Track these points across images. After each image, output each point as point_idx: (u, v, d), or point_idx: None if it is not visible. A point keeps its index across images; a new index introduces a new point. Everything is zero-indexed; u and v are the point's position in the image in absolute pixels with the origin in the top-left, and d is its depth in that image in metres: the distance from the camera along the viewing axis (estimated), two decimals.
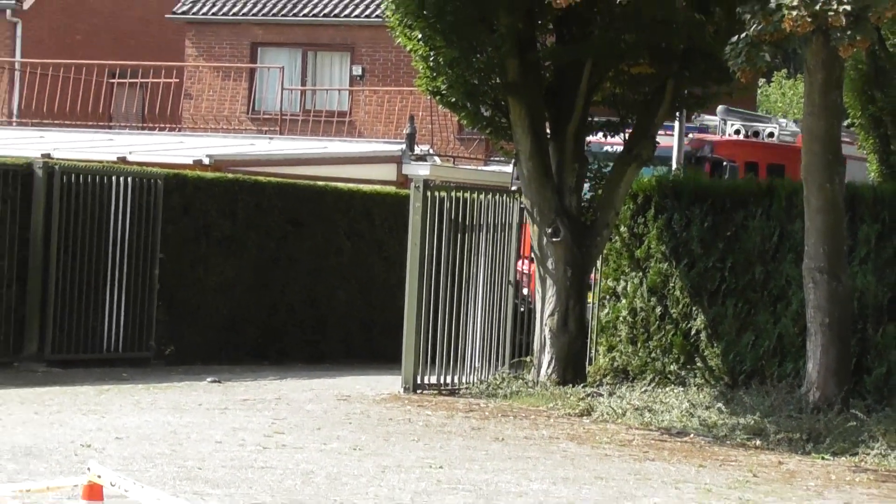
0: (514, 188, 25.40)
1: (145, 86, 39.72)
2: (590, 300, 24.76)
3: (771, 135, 29.67)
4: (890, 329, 21.51)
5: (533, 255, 23.74)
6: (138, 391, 20.82)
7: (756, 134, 30.14)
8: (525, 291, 25.67)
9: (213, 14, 41.35)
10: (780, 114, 54.91)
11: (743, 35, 18.40)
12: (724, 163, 27.97)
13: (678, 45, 22.30)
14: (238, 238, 25.78)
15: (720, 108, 28.44)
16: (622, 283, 24.29)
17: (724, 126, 29.65)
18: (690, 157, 27.95)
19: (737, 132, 29.22)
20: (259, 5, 41.53)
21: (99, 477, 10.22)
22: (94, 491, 10.03)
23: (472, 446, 18.24)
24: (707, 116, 29.35)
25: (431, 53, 23.50)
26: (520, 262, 25.37)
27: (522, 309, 25.32)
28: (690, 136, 28.76)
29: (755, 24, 18.02)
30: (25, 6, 41.47)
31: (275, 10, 41.61)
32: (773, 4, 17.69)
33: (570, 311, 23.16)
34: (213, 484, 13.88)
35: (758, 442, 19.41)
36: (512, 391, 22.58)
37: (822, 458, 18.45)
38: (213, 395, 20.92)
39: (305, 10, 41.09)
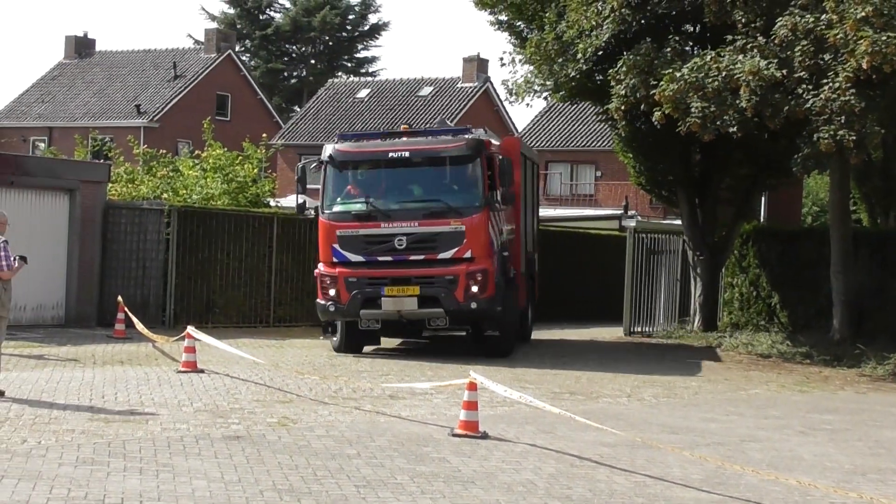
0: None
1: None
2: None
3: None
4: (874, 304, 26.03)
5: (690, 265, 28.96)
6: None
7: None
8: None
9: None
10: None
11: (799, 154, 21.57)
12: None
13: (763, 158, 27.03)
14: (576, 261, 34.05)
15: None
16: (735, 280, 29.44)
17: None
18: None
19: None
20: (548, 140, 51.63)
21: None
22: None
23: (665, 358, 23.04)
24: None
25: (637, 165, 28.99)
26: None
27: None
28: None
29: (805, 148, 21.30)
30: None
31: (555, 145, 51.50)
32: (814, 138, 20.75)
33: (708, 294, 28.52)
34: None
35: (807, 361, 23.38)
36: (679, 335, 28.03)
37: (842, 370, 22.20)
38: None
39: (570, 144, 52.41)
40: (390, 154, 20.80)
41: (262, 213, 27.25)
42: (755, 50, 21.49)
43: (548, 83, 26.75)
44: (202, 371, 16.90)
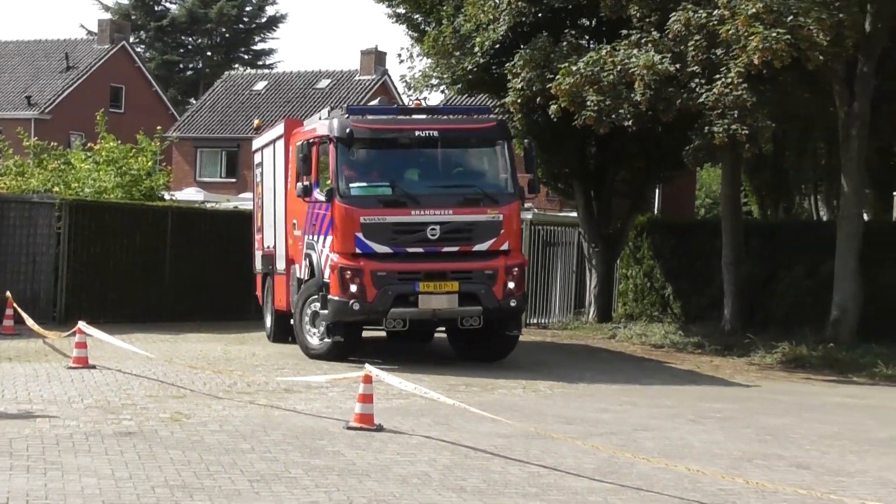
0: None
1: None
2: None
3: None
4: (765, 294, 26.45)
5: (586, 257, 28.83)
6: None
7: None
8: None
9: None
10: None
11: (691, 146, 21.83)
12: None
13: (657, 151, 27.36)
14: None
15: None
16: (630, 271, 29.81)
17: None
18: None
19: None
20: None
21: None
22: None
23: (564, 352, 23.20)
24: None
25: None
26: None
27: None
28: None
29: (697, 140, 21.51)
30: None
31: None
32: (706, 130, 20.96)
33: (603, 285, 28.78)
34: None
35: (699, 351, 23.75)
36: (575, 326, 28.24)
37: (732, 359, 22.62)
38: None
39: None
40: (416, 132, 18.73)
41: (157, 207, 26.98)
42: (650, 44, 21.73)
43: (445, 77, 26.82)
44: (93, 367, 16.64)
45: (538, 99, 23.28)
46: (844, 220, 23.50)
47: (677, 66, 21.32)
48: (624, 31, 22.43)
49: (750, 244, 26.39)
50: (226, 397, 14.51)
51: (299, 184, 19.30)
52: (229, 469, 10.36)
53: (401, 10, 28.46)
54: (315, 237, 19.18)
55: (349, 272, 18.16)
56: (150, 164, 29.26)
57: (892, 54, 23.17)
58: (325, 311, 18.56)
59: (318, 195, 18.84)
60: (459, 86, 27.14)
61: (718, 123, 20.88)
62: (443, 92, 28.85)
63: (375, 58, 57.83)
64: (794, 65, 20.26)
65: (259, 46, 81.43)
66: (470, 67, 25.38)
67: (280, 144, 21.56)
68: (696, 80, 21.39)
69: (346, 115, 18.94)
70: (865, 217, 27.78)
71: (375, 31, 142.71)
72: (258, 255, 24.03)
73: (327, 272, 18.49)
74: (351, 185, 18.48)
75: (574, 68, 21.79)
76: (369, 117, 19.07)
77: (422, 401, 14.18)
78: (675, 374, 19.81)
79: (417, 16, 28.54)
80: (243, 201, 32.46)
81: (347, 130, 18.54)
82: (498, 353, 19.76)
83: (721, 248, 25.68)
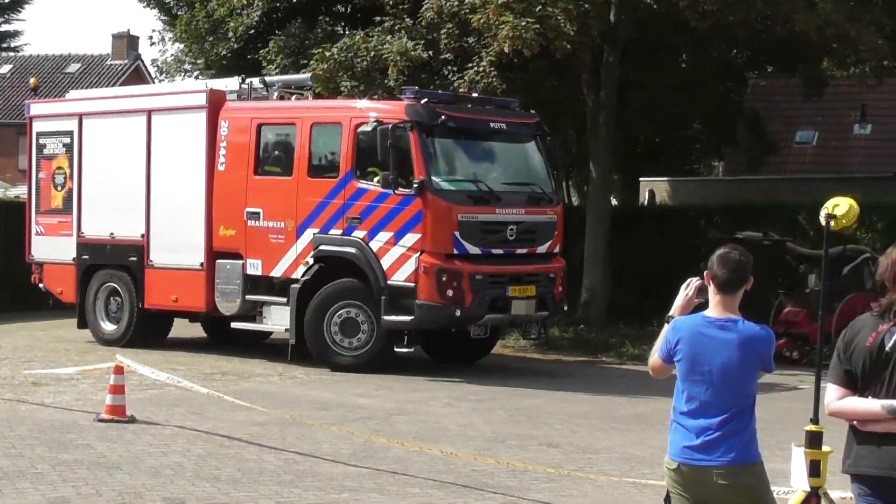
0: None
1: None
2: None
3: None
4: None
5: None
6: None
7: None
8: None
9: None
10: None
11: None
12: None
13: None
14: None
15: None
16: None
17: None
18: None
19: None
20: None
21: None
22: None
23: None
24: None
25: None
26: None
27: None
28: None
29: None
30: None
31: None
32: None
33: None
34: None
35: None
36: None
37: None
38: None
39: None
40: (491, 124, 17.67)
41: None
42: (403, 31, 21.98)
43: (199, 62, 26.52)
44: None
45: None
46: (593, 204, 24.16)
47: (430, 52, 21.69)
48: (377, 18, 22.66)
49: None
50: None
51: (384, 174, 16.72)
52: None
53: None
54: (362, 232, 17.05)
55: (446, 275, 16.54)
56: None
57: (636, 44, 23.98)
58: (401, 318, 16.75)
59: (396, 187, 16.72)
60: (214, 72, 26.81)
61: None
62: (197, 77, 28.46)
63: (128, 42, 56.52)
64: (544, 53, 20.74)
65: (3, 28, 78.36)
66: (224, 53, 25.25)
67: (197, 117, 18.80)
68: (449, 68, 21.78)
69: (418, 98, 17.20)
70: (614, 202, 28.44)
71: (127, 14, 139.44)
72: (65, 241, 20.42)
73: (403, 273, 16.75)
74: (440, 177, 17.01)
75: (328, 54, 21.88)
76: (446, 105, 17.60)
77: (176, 390, 14.05)
78: (431, 359, 20.00)
79: (169, 0, 28.15)
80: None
81: (441, 118, 17.01)
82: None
83: None
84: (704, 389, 5.75)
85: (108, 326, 19.88)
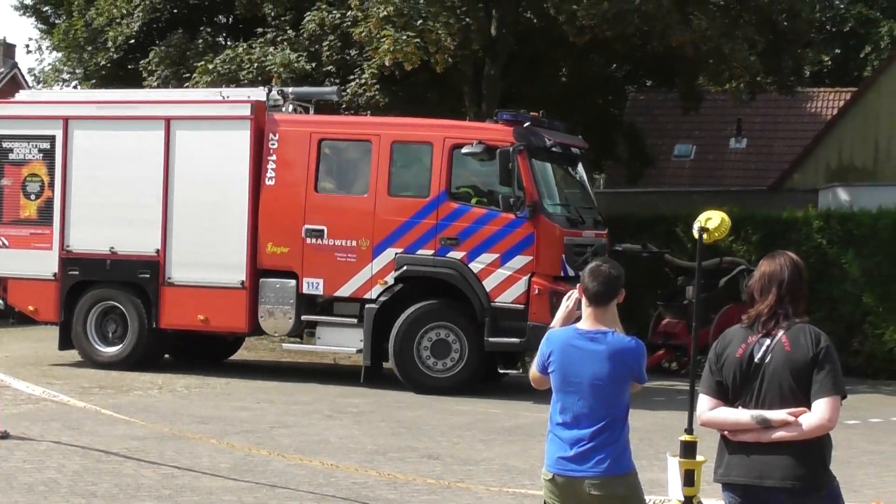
0: None
1: None
2: None
3: None
4: None
5: None
6: None
7: None
8: None
9: None
10: None
11: None
12: None
13: None
14: None
15: None
16: None
17: None
18: None
19: None
20: None
21: None
22: None
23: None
24: None
25: None
26: None
27: None
28: None
29: None
30: None
31: None
32: None
33: None
34: None
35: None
36: None
37: None
38: None
39: None
40: (573, 149, 18.01)
41: None
42: (286, 43, 22.15)
43: (77, 71, 26.22)
44: None
45: None
46: None
47: (313, 64, 21.75)
48: (260, 30, 22.69)
49: None
50: None
51: (504, 196, 16.67)
52: None
53: (28, 1, 27.63)
54: (460, 253, 16.75)
55: (557, 297, 15.35)
56: None
57: (517, 58, 24.24)
58: (509, 340, 16.59)
59: (506, 210, 16.69)
60: (94, 81, 26.51)
61: None
62: (75, 87, 28.09)
63: (4, 50, 55.19)
64: (425, 67, 20.86)
65: None
66: (103, 63, 24.97)
67: (236, 127, 17.72)
68: (331, 80, 21.87)
69: (518, 121, 17.12)
70: None
71: (2, 22, 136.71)
72: (40, 255, 18.68)
73: (510, 295, 16.56)
74: (545, 200, 16.99)
75: (210, 66, 21.85)
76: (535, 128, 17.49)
77: (52, 405, 13.78)
78: (314, 370, 19.93)
79: (47, 8, 27.75)
80: None
81: (548, 142, 17.14)
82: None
83: None
84: (577, 400, 5.81)
85: (106, 348, 18.43)
